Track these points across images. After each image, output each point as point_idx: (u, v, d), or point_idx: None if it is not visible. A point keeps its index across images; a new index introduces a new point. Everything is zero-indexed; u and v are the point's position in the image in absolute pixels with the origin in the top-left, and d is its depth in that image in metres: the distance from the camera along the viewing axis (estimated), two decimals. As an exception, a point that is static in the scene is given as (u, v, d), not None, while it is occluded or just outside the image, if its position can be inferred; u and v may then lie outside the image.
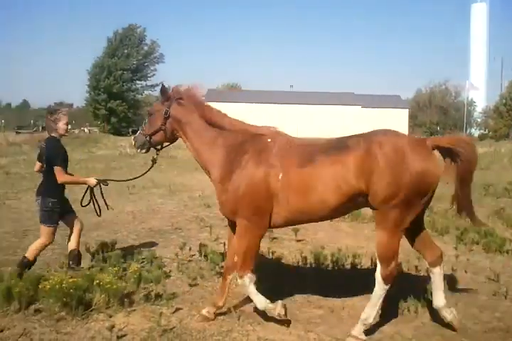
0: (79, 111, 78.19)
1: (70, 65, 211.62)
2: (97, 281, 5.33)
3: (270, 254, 7.28)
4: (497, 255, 7.68)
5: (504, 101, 62.43)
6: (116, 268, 6.01)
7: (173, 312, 5.23)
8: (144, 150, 5.45)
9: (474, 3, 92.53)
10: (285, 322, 4.95)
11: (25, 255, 6.00)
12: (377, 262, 4.64)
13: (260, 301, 4.91)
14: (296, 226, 7.91)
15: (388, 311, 5.30)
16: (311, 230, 8.89)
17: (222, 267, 5.51)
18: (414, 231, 4.85)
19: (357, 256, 6.92)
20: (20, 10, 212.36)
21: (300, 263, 7.01)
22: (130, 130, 56.63)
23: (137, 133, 5.54)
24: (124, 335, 4.69)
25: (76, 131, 52.39)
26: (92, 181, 6.08)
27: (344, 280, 6.20)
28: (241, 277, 4.89)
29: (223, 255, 6.58)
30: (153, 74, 64.33)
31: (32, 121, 73.06)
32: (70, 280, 5.16)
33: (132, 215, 10.79)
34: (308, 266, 6.92)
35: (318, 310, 5.42)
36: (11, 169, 18.53)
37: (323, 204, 4.62)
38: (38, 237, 6.19)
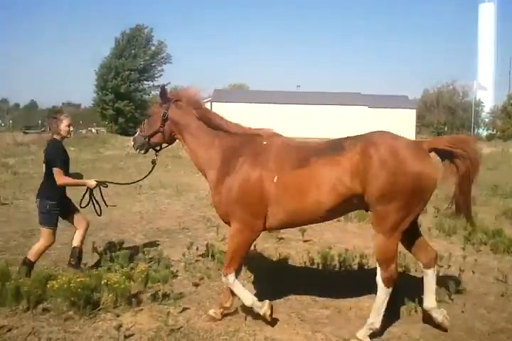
0: (86, 111, 78.51)
1: (78, 66, 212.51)
2: (105, 281, 5.36)
3: (277, 254, 7.28)
4: (505, 255, 7.65)
5: (512, 101, 62.15)
6: (123, 268, 6.04)
7: (181, 312, 5.25)
8: (142, 151, 5.54)
9: (482, 3, 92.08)
10: (271, 323, 4.95)
11: (27, 257, 6.04)
12: (377, 265, 4.62)
13: (247, 298, 4.93)
14: (303, 227, 7.92)
15: (395, 312, 5.30)
16: (318, 230, 8.89)
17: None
18: (408, 233, 4.79)
19: (364, 257, 6.91)
20: (30, 10, 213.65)
21: (307, 264, 7.00)
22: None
23: (136, 134, 5.59)
24: (132, 335, 4.72)
25: (83, 132, 52.60)
26: (92, 183, 6.11)
27: (351, 281, 6.19)
28: (225, 275, 4.91)
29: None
30: (161, 75, 64.39)
31: (40, 122, 73.36)
32: (78, 279, 5.19)
33: (139, 215, 10.82)
34: (315, 266, 6.91)
35: (325, 311, 5.42)
36: (19, 169, 18.61)
37: (318, 206, 4.61)
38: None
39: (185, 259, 7.01)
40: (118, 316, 5.06)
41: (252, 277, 6.30)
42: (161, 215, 10.89)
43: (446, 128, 75.28)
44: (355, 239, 8.66)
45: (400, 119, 65.45)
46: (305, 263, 7.05)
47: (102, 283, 5.37)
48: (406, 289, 5.79)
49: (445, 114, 77.29)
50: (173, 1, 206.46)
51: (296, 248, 8.00)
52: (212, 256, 7.03)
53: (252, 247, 7.62)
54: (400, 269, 6.43)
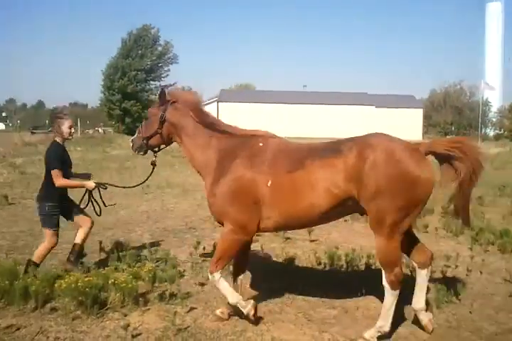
0: (93, 111, 78.80)
1: (85, 66, 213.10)
2: (112, 280, 5.39)
3: (284, 254, 7.28)
4: (513, 256, 7.61)
5: (519, 100, 61.89)
6: (131, 268, 6.06)
7: (188, 312, 5.26)
8: (141, 153, 5.59)
9: (489, 2, 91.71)
10: (254, 323, 4.95)
11: (31, 258, 6.07)
12: (382, 269, 4.60)
13: (233, 296, 4.93)
14: (310, 227, 7.92)
15: (402, 312, 5.29)
16: (325, 230, 8.87)
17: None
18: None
19: (371, 257, 6.88)
20: (40, 10, 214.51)
21: (314, 264, 6.99)
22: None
23: (135, 135, 5.62)
24: (139, 334, 4.73)
25: (90, 131, 52.83)
26: (91, 184, 6.14)
27: (358, 281, 6.17)
28: (211, 273, 4.91)
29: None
30: (167, 75, 64.46)
31: (47, 121, 73.67)
32: (86, 279, 5.23)
33: (147, 215, 10.85)
34: (322, 266, 6.90)
35: (332, 311, 5.41)
36: (27, 169, 18.67)
37: (313, 209, 4.59)
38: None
39: (192, 259, 7.02)
40: (125, 315, 5.08)
41: (259, 277, 6.29)
42: (168, 215, 10.91)
43: (453, 128, 75.01)
44: (362, 238, 8.64)
45: (406, 119, 65.43)
46: (312, 263, 7.04)
47: (110, 282, 5.40)
48: (413, 289, 5.78)
49: (452, 114, 77.07)
50: (177, 1, 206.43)
51: (302, 248, 7.99)
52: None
53: (259, 247, 7.65)
54: (406, 269, 6.42)
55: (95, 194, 6.39)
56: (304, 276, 6.50)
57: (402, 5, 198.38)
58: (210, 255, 7.10)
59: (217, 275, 4.88)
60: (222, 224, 5.00)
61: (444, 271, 6.35)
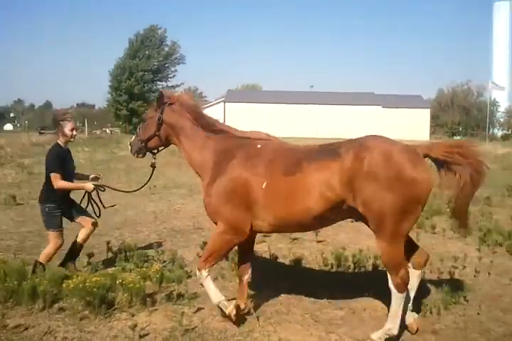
0: (100, 112, 79.01)
1: (92, 67, 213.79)
2: (120, 280, 5.41)
3: (291, 255, 7.28)
4: (521, 257, 7.58)
5: (527, 100, 61.58)
6: (138, 268, 6.08)
7: (195, 312, 5.27)
8: (140, 155, 5.64)
9: (497, 1, 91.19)
10: (235, 323, 4.95)
11: (38, 260, 6.11)
12: (387, 272, 4.58)
13: (216, 295, 4.95)
14: (317, 227, 7.91)
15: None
16: (332, 231, 8.86)
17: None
18: None
19: (378, 258, 6.85)
20: (45, 12, 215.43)
21: (321, 265, 6.98)
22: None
23: (132, 138, 5.64)
24: (147, 334, 4.74)
25: (98, 132, 52.99)
26: (89, 186, 6.15)
27: (365, 282, 6.16)
28: (199, 270, 4.93)
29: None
30: (174, 75, 64.69)
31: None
32: (93, 279, 5.24)
33: (154, 215, 10.87)
34: (329, 267, 6.89)
35: (339, 312, 5.40)
36: (35, 169, 18.73)
37: (308, 212, 4.57)
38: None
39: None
40: (133, 316, 5.10)
41: (266, 278, 6.29)
42: (175, 215, 10.94)
43: (460, 129, 74.71)
44: (369, 239, 8.58)
45: (414, 119, 65.22)
46: (319, 264, 7.04)
47: (117, 282, 5.42)
48: (420, 290, 5.77)
49: (460, 114, 76.71)
50: (184, 1, 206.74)
51: (309, 248, 7.99)
52: (226, 256, 7.03)
53: (266, 248, 7.66)
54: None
55: (95, 196, 6.40)
56: (311, 277, 6.49)
57: (409, 5, 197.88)
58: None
59: (204, 273, 4.91)
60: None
61: (451, 272, 6.33)
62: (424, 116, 67.80)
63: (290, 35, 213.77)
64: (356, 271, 6.75)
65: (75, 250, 6.37)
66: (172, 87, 64.37)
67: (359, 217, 4.69)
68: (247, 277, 5.28)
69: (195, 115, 5.26)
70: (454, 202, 4.63)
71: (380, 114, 66.12)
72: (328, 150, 4.64)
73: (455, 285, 5.85)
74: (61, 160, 6.12)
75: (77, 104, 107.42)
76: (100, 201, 6.44)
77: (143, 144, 5.48)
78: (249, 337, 4.74)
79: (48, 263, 6.14)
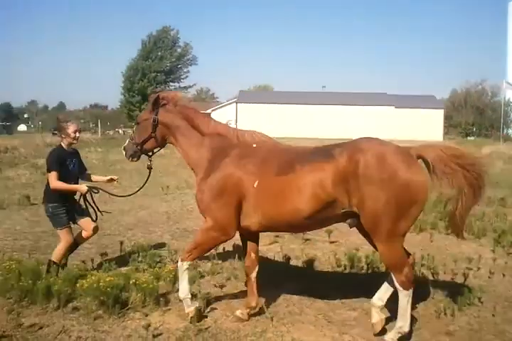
0: (113, 112, 79.42)
1: (106, 68, 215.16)
2: (134, 280, 5.45)
3: (303, 256, 7.27)
4: (536, 258, 7.50)
5: (542, 100, 60.96)
6: (151, 268, 6.11)
7: (208, 312, 5.28)
8: (135, 159, 5.67)
9: (511, 1, 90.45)
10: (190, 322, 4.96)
11: (51, 259, 6.15)
12: (391, 273, 4.56)
13: (184, 291, 5.03)
14: (329, 228, 7.88)
15: (424, 315, 5.25)
16: (345, 232, 8.80)
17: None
18: None
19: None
20: (59, 13, 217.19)
21: (334, 265, 6.96)
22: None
23: (126, 142, 5.67)
24: (160, 334, 4.76)
25: (111, 133, 53.25)
26: (83, 188, 6.17)
27: (378, 283, 6.11)
28: (182, 260, 4.99)
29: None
30: (186, 76, 64.94)
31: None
32: (107, 279, 5.28)
33: (166, 215, 10.91)
34: (341, 268, 6.87)
35: (352, 312, 5.39)
36: (48, 170, 18.88)
37: (299, 213, 4.58)
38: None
39: (212, 259, 7.03)
40: (146, 315, 5.12)
41: (279, 278, 6.29)
42: (187, 215, 10.96)
43: (474, 129, 74.12)
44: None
45: (427, 120, 64.79)
46: (331, 264, 7.02)
47: (131, 282, 5.45)
48: (434, 292, 5.74)
49: (473, 114, 76.11)
50: (196, 2, 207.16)
51: (322, 249, 7.97)
52: (239, 256, 7.05)
53: (278, 248, 7.66)
54: (428, 272, 6.38)
55: (89, 198, 6.40)
56: (324, 278, 6.48)
57: (424, 5, 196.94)
58: (233, 255, 7.16)
59: (185, 264, 4.98)
60: None
61: (466, 274, 6.28)
62: (437, 116, 67.31)
63: (302, 36, 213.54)
64: (369, 271, 6.73)
65: (72, 248, 6.41)
66: (184, 87, 64.68)
67: (354, 222, 4.68)
68: (254, 274, 5.29)
69: (188, 114, 5.32)
70: (452, 211, 4.60)
71: (393, 115, 65.76)
72: (322, 152, 4.66)
73: (469, 287, 5.80)
74: (60, 161, 6.16)
75: (91, 105, 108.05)
76: (94, 203, 6.43)
77: (138, 147, 5.51)
78: (263, 338, 4.74)
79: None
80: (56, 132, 6.36)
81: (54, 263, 6.09)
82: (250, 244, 5.34)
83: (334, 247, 8.03)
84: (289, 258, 7.11)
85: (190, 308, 5.01)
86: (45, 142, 34.31)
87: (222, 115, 56.32)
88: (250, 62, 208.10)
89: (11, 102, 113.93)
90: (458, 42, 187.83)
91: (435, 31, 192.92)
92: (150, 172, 5.85)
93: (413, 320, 5.10)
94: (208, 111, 62.88)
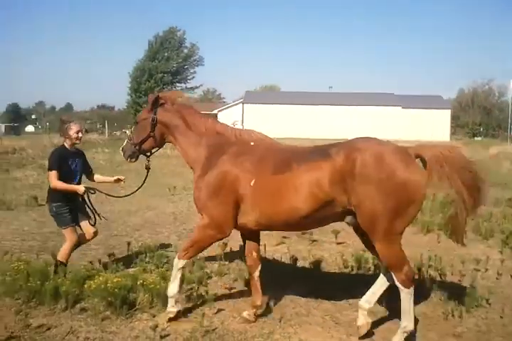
0: (120, 113, 79.55)
1: (113, 69, 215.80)
2: (141, 281, 5.47)
3: (310, 257, 7.26)
4: (544, 259, 7.46)
5: (550, 101, 60.59)
6: (159, 269, 6.12)
7: (215, 313, 5.29)
8: (133, 159, 5.67)
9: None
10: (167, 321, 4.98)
11: (58, 258, 6.17)
12: (391, 272, 4.55)
13: (174, 289, 5.04)
14: (336, 229, 7.89)
15: (432, 316, 5.24)
16: (352, 233, 8.77)
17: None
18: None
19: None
20: (66, 14, 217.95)
21: (341, 266, 6.96)
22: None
23: (124, 143, 5.68)
24: (167, 335, 4.78)
25: (118, 133, 53.35)
26: (80, 189, 6.18)
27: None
28: (179, 258, 5.01)
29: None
30: (193, 77, 65.02)
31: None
32: (115, 280, 5.29)
33: (173, 216, 10.93)
34: (349, 269, 6.86)
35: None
36: (56, 170, 18.96)
37: (295, 212, 4.59)
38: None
39: (219, 261, 7.04)
40: (154, 316, 5.14)
41: (286, 279, 6.29)
42: (194, 216, 10.90)
43: (481, 129, 73.85)
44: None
45: (434, 120, 64.56)
46: (339, 265, 7.01)
47: (138, 283, 5.47)
48: (442, 293, 5.72)
49: (480, 115, 75.87)
50: (202, 2, 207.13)
51: (329, 250, 7.97)
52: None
53: (285, 249, 7.66)
54: (435, 273, 6.36)
55: (89, 200, 6.41)
56: (331, 279, 6.48)
57: (427, 4, 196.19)
58: (240, 256, 7.16)
59: (181, 263, 5.01)
60: None
61: (473, 275, 6.26)
62: (444, 116, 67.04)
63: (308, 36, 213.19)
64: (377, 272, 6.70)
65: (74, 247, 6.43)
66: (191, 88, 64.78)
67: (353, 221, 4.68)
68: (257, 273, 5.30)
69: (186, 113, 5.37)
70: (453, 215, 4.58)
71: (400, 115, 65.54)
72: (319, 151, 4.67)
73: (477, 288, 5.78)
74: (61, 161, 6.18)
75: (98, 106, 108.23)
76: (92, 205, 6.41)
77: (137, 147, 5.53)
78: (270, 339, 4.75)
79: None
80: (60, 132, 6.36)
81: (61, 262, 6.11)
82: (251, 244, 5.36)
83: (341, 248, 8.02)
84: (296, 259, 7.10)
85: (172, 309, 5.05)
86: (53, 143, 34.38)
87: (228, 116, 56.35)
88: (257, 62, 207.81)
89: (18, 103, 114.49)
90: (465, 42, 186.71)
91: (442, 31, 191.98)
92: (148, 173, 5.87)
93: (421, 321, 5.09)
94: (215, 111, 62.94)
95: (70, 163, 6.26)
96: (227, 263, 7.01)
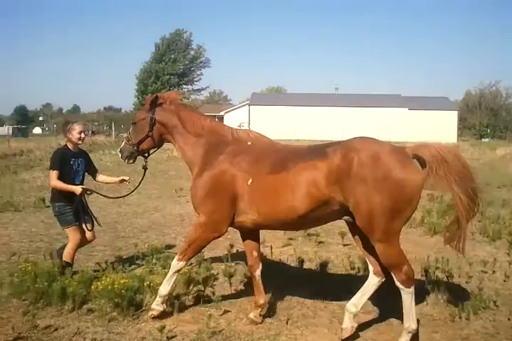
0: (127, 115, 79.81)
1: (120, 71, 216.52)
2: (148, 282, 5.49)
3: (317, 258, 7.25)
4: (552, 262, 7.42)
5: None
6: (166, 270, 6.12)
7: (222, 315, 5.30)
8: (131, 160, 5.71)
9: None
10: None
11: (63, 259, 6.19)
12: (391, 272, 4.54)
13: (165, 290, 5.06)
14: (343, 230, 7.87)
15: (439, 318, 5.22)
16: (359, 234, 8.80)
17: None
18: (366, 238, 4.64)
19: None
20: (72, 16, 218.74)
21: (347, 268, 6.94)
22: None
23: (122, 144, 5.70)
24: (174, 336, 4.78)
25: (124, 135, 53.61)
26: (78, 189, 6.19)
27: (392, 285, 6.10)
28: (178, 260, 5.02)
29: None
30: (200, 79, 65.30)
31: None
32: (122, 281, 5.30)
33: (180, 217, 10.95)
34: (355, 270, 6.85)
35: (366, 316, 5.36)
36: (63, 172, 19.02)
37: (293, 211, 4.58)
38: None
39: (226, 262, 7.05)
40: (161, 318, 5.13)
41: (292, 281, 6.29)
42: (200, 218, 10.96)
43: (489, 131, 73.54)
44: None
45: (441, 121, 64.35)
46: (345, 267, 7.00)
47: (145, 284, 5.49)
48: (449, 295, 5.70)
49: (487, 116, 75.58)
50: (210, 4, 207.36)
51: (336, 252, 7.95)
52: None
53: (292, 251, 7.65)
54: (442, 275, 6.34)
55: (86, 201, 6.41)
56: (338, 281, 6.47)
57: (436, 5, 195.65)
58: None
59: (180, 264, 5.03)
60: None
61: (480, 277, 6.24)
62: (451, 118, 66.84)
63: (314, 38, 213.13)
64: (383, 274, 6.69)
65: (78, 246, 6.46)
66: (198, 90, 65.02)
67: (351, 220, 4.67)
68: (258, 273, 5.30)
69: (184, 113, 5.39)
70: (453, 220, 4.58)
71: (407, 116, 65.40)
72: (316, 151, 4.67)
73: (484, 290, 5.76)
74: (63, 161, 6.21)
75: (105, 108, 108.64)
76: (87, 205, 6.41)
77: (135, 148, 5.55)
78: (276, 340, 4.74)
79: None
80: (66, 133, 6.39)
81: (67, 263, 6.14)
82: (251, 243, 5.36)
83: (348, 250, 8.00)
84: (302, 261, 7.10)
85: (157, 307, 5.07)
86: (60, 145, 34.62)
87: (234, 117, 56.47)
88: (263, 64, 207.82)
89: (26, 105, 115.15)
90: (472, 43, 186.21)
91: (450, 32, 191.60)
92: (145, 173, 5.89)
93: (427, 324, 5.08)
94: (221, 113, 63.04)
95: (72, 163, 6.30)
96: (233, 264, 7.00)
